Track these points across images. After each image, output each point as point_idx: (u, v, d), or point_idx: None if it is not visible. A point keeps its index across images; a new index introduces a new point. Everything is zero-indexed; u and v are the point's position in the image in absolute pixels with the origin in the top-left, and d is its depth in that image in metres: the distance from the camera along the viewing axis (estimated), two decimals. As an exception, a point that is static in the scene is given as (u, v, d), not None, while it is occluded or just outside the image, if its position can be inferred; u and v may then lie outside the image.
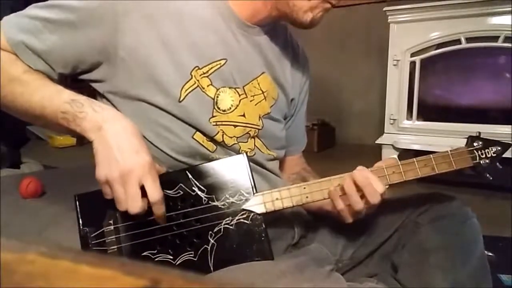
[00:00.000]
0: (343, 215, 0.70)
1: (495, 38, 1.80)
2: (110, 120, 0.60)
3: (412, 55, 2.01)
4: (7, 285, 0.18)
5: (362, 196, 0.68)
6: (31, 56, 0.65)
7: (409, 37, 2.00)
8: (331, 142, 2.93)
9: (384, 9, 2.02)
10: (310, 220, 0.85)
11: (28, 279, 0.18)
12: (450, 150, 0.73)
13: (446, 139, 1.91)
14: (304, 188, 0.69)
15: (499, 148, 0.74)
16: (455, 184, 1.67)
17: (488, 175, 0.74)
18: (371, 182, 0.67)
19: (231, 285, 0.20)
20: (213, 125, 0.71)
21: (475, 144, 0.74)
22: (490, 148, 0.74)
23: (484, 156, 0.73)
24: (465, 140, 0.76)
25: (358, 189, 0.68)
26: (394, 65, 2.05)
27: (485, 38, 1.83)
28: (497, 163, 0.74)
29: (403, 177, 0.71)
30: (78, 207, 0.64)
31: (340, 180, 0.70)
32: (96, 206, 0.64)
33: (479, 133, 0.76)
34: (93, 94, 0.71)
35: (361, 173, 0.68)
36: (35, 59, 0.65)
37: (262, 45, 0.77)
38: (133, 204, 0.58)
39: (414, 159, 0.72)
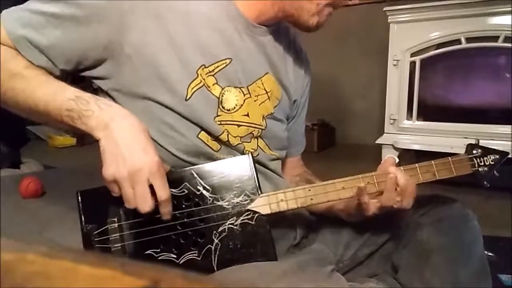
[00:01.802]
0: (365, 208, 0.70)
1: (495, 38, 1.80)
2: (117, 117, 0.59)
3: (412, 55, 2.01)
4: (7, 285, 0.18)
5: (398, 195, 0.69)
6: (33, 51, 0.64)
7: (409, 37, 2.00)
8: (331, 142, 2.94)
9: (384, 9, 2.02)
10: (312, 221, 0.85)
11: (28, 279, 0.18)
12: (451, 157, 0.74)
13: (446, 139, 1.91)
14: (309, 190, 0.69)
15: (497, 156, 0.75)
16: (455, 184, 1.67)
17: (486, 182, 0.75)
18: (413, 187, 0.69)
19: (232, 285, 0.20)
20: (218, 124, 0.71)
21: (474, 151, 0.75)
22: (488, 156, 0.75)
23: (482, 163, 0.75)
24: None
25: (397, 188, 0.69)
26: (394, 65, 2.05)
27: (485, 38, 1.83)
28: (494, 171, 0.75)
29: None
30: (80, 203, 0.63)
31: (344, 183, 0.70)
32: (98, 203, 0.63)
33: (478, 141, 0.77)
34: (95, 93, 0.71)
35: (405, 176, 0.69)
36: (37, 54, 0.64)
37: (267, 45, 0.77)
38: (143, 203, 0.58)
39: (416, 164, 0.72)
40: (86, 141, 2.82)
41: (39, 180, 1.72)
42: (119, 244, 0.63)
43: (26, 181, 1.67)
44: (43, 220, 1.38)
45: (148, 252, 0.63)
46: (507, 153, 0.76)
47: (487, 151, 0.75)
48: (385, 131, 2.13)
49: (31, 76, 0.62)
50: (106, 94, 0.70)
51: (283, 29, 0.82)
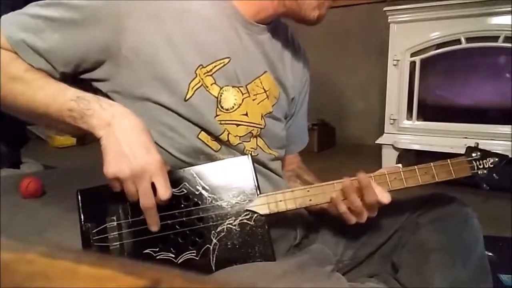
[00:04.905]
0: (346, 217, 0.70)
1: (495, 38, 1.79)
2: (118, 116, 0.59)
3: (412, 55, 2.00)
4: (7, 285, 0.18)
5: (361, 197, 0.69)
6: (33, 55, 0.64)
7: (409, 37, 1.99)
8: (331, 142, 2.93)
9: (384, 9, 2.02)
10: (312, 221, 0.85)
11: (28, 279, 0.18)
12: (450, 160, 0.74)
13: (446, 139, 1.91)
14: (308, 191, 0.69)
15: (496, 159, 0.75)
16: (455, 184, 1.67)
17: (485, 185, 0.75)
18: (371, 184, 0.68)
19: (232, 285, 0.20)
20: (219, 123, 0.71)
21: (473, 154, 0.76)
22: (488, 159, 0.75)
23: (482, 166, 0.75)
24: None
25: (358, 189, 0.69)
26: (394, 65, 2.05)
27: (485, 38, 1.82)
28: (494, 174, 0.75)
29: (404, 184, 0.72)
30: (80, 202, 0.63)
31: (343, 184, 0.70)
32: (98, 202, 0.64)
33: (477, 144, 0.77)
34: (96, 94, 0.71)
35: (364, 175, 0.69)
36: (36, 58, 0.64)
37: (265, 44, 0.77)
38: (146, 201, 0.59)
39: (416, 166, 0.73)
40: (87, 141, 2.82)
41: (39, 180, 1.72)
42: (118, 243, 0.63)
43: (26, 181, 1.67)
44: (43, 220, 1.38)
45: (146, 251, 0.63)
46: (507, 156, 0.76)
47: (486, 154, 0.76)
48: (385, 131, 2.13)
49: (31, 79, 0.63)
50: (106, 96, 0.70)
51: (280, 27, 0.82)
